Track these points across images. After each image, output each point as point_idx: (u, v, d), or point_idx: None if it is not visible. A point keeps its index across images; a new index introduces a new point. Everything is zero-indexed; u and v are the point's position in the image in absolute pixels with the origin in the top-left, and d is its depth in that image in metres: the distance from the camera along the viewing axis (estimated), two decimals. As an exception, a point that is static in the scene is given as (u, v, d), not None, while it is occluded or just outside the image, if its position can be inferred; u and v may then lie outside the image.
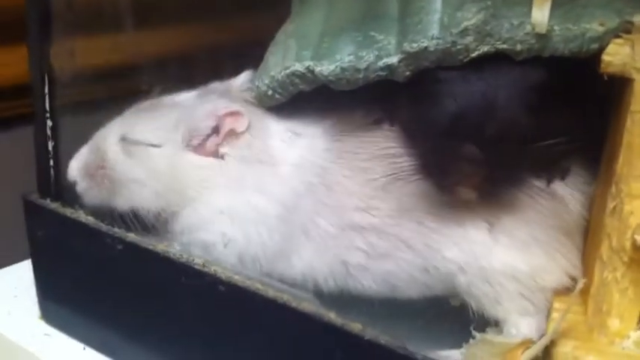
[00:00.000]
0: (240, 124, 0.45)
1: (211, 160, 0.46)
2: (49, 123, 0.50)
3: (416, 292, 0.44)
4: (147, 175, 0.47)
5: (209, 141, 0.46)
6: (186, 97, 0.50)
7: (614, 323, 0.38)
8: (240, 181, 0.45)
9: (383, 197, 0.43)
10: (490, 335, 0.39)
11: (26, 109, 0.51)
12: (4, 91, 0.70)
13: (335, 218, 0.44)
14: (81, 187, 0.48)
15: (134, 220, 0.46)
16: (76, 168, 0.48)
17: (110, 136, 0.48)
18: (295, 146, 0.46)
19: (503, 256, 0.41)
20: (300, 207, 0.44)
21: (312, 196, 0.44)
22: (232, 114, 0.46)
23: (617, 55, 0.37)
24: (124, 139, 0.48)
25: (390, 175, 0.43)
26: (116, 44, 0.56)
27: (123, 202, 0.47)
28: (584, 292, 0.40)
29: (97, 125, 0.49)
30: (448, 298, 0.45)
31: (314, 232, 0.44)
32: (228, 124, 0.45)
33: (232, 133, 0.46)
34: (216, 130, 0.46)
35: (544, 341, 0.37)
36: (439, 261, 0.43)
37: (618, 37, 0.37)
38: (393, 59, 0.41)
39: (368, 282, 0.44)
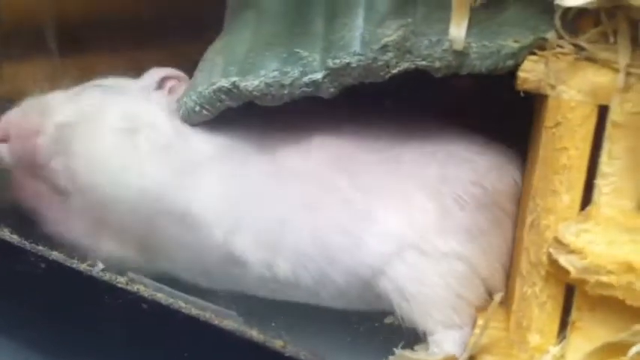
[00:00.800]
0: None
1: None
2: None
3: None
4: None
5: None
6: None
7: (534, 338, 0.38)
8: None
9: None
10: (409, 352, 0.39)
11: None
12: None
13: None
14: None
15: None
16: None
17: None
18: None
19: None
20: None
21: None
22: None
23: (532, 72, 0.37)
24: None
25: None
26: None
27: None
28: (508, 309, 0.41)
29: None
30: (381, 315, 0.45)
31: None
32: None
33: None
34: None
35: (464, 357, 0.37)
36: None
37: (533, 54, 0.38)
38: (318, 75, 0.41)
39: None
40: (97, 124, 0.46)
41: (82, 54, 0.62)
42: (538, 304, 0.38)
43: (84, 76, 0.52)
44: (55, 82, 0.53)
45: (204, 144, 0.45)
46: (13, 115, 0.48)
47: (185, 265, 0.45)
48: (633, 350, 0.32)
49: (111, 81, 0.50)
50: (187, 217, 0.44)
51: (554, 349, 0.37)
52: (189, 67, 0.49)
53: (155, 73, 0.49)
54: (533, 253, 0.37)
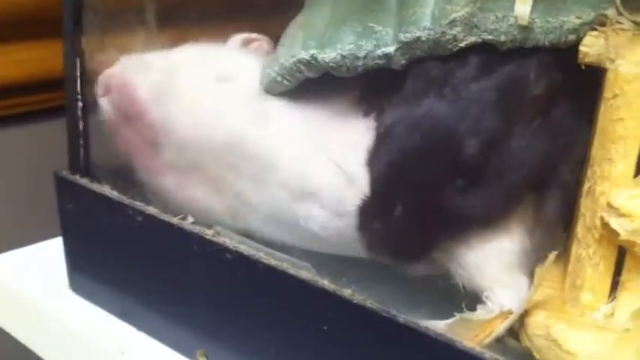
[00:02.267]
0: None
1: None
2: (80, 105, 0.54)
3: None
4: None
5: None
6: None
7: (586, 297, 0.40)
8: None
9: None
10: (468, 314, 0.42)
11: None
12: (43, 84, 0.77)
13: None
14: None
15: None
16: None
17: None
18: None
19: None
20: None
21: None
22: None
23: (592, 47, 0.39)
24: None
25: None
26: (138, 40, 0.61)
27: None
28: (564, 270, 0.43)
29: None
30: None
31: None
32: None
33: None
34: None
35: (517, 312, 0.40)
36: None
37: (594, 29, 0.40)
38: (390, 48, 0.45)
39: None
40: (190, 74, 0.51)
41: (174, 27, 0.67)
42: (591, 265, 0.40)
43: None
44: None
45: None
46: (113, 69, 0.53)
47: (264, 216, 0.50)
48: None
49: (202, 44, 0.55)
50: (268, 163, 0.48)
51: (605, 308, 0.40)
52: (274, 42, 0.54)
53: (239, 36, 0.54)
54: (589, 217, 0.40)
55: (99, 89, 0.53)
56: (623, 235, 0.36)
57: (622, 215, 0.37)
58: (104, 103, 0.52)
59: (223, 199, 0.50)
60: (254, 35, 0.55)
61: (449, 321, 0.42)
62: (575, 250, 0.41)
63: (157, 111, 0.51)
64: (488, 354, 0.37)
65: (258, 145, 0.48)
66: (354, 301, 0.41)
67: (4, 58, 0.80)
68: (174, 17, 0.66)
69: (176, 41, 0.64)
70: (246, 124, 0.49)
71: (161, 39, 0.65)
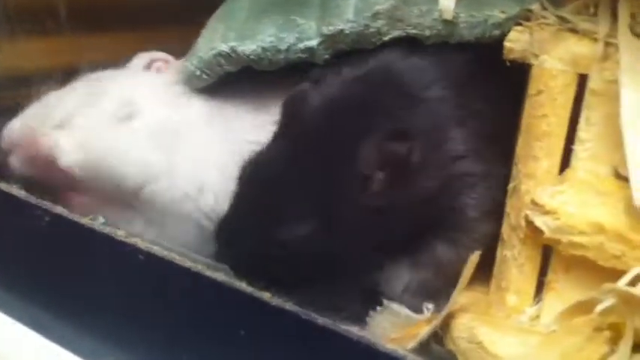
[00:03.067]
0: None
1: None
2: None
3: None
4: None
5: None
6: None
7: (511, 299, 0.39)
8: None
9: None
10: (396, 305, 0.40)
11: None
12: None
13: None
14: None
15: None
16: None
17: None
18: None
19: None
20: None
21: None
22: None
23: (517, 42, 0.39)
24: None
25: None
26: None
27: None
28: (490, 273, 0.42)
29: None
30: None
31: None
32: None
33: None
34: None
35: (442, 315, 0.39)
36: None
37: (519, 24, 0.39)
38: (313, 42, 0.43)
39: None
40: (93, 115, 0.49)
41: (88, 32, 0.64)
42: (516, 267, 0.39)
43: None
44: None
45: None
46: (13, 124, 0.51)
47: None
48: (600, 307, 0.33)
49: (101, 73, 0.52)
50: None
51: (530, 310, 0.39)
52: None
53: (142, 57, 0.52)
54: (514, 217, 0.39)
55: (4, 145, 0.51)
56: (548, 233, 0.35)
57: (546, 213, 0.36)
58: (13, 160, 0.50)
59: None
60: (156, 54, 0.53)
61: (377, 310, 0.41)
62: (500, 251, 0.40)
63: (65, 159, 0.49)
64: (410, 357, 0.35)
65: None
66: (273, 304, 0.39)
67: None
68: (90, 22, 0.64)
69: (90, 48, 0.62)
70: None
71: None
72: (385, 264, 0.41)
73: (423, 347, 0.39)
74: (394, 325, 0.40)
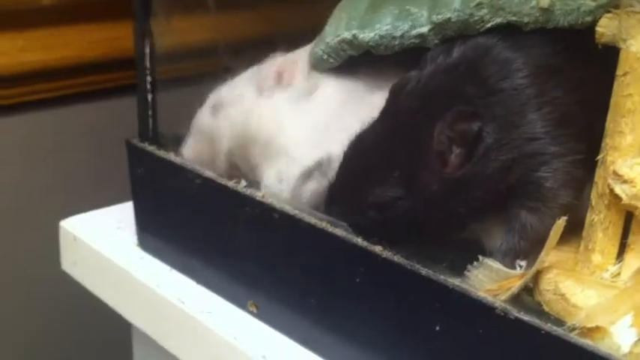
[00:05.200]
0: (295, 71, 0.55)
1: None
2: (149, 79, 0.60)
3: None
4: (230, 129, 0.57)
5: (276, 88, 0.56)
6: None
7: (596, 258, 0.44)
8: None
9: None
10: (492, 261, 0.46)
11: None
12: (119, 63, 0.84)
13: None
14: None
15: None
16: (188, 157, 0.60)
17: (204, 111, 0.60)
18: None
19: None
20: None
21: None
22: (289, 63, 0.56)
23: (607, 27, 0.43)
24: (213, 107, 0.59)
25: None
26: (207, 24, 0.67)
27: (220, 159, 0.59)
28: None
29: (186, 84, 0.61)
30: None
31: None
32: (287, 72, 0.56)
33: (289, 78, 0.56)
34: (279, 78, 0.56)
35: (532, 271, 0.44)
36: None
37: (609, 11, 0.43)
38: (424, 29, 0.49)
39: None
40: None
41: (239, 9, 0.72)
42: (602, 230, 0.43)
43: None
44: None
45: None
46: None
47: None
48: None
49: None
50: None
51: (612, 268, 0.43)
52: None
53: (270, 69, 0.57)
54: (600, 185, 0.43)
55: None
56: (625, 200, 0.40)
57: (625, 182, 0.40)
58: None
59: None
60: (282, 64, 0.58)
61: (474, 265, 0.46)
62: (589, 216, 0.44)
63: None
64: (498, 303, 0.41)
65: None
66: (383, 256, 0.45)
67: (79, 38, 0.88)
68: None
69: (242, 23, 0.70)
70: None
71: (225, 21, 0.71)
72: (476, 226, 0.47)
73: (514, 299, 0.45)
74: (489, 278, 0.45)
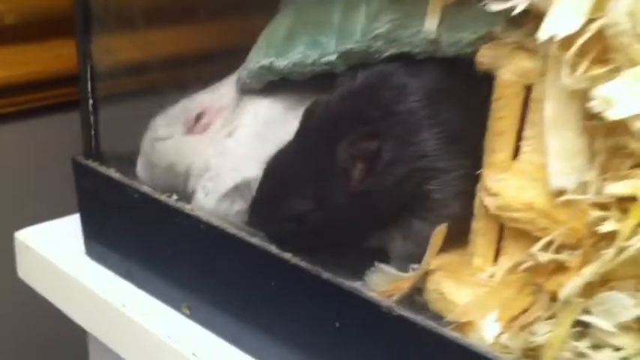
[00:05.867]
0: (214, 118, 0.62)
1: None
2: (91, 101, 0.65)
3: None
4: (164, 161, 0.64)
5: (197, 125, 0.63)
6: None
7: (477, 261, 0.50)
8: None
9: None
10: (386, 266, 0.51)
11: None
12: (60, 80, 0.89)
13: None
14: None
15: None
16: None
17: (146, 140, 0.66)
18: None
19: None
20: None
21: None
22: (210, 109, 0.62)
23: (485, 57, 0.48)
24: (151, 139, 0.66)
25: None
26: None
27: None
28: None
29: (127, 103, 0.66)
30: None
31: None
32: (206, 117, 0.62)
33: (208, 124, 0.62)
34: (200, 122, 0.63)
35: (418, 272, 0.49)
36: None
37: (486, 43, 0.48)
38: (332, 57, 0.55)
39: None
40: None
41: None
42: (481, 236, 0.49)
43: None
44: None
45: None
46: None
47: None
48: (522, 267, 0.43)
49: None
50: None
51: (490, 269, 0.49)
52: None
53: (192, 113, 0.64)
54: (479, 197, 0.49)
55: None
56: (492, 210, 0.46)
57: (492, 194, 0.46)
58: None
59: None
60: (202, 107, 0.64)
61: (372, 270, 0.52)
62: (474, 224, 0.50)
63: None
64: (384, 302, 0.46)
65: None
66: (292, 262, 0.51)
67: (34, 54, 0.93)
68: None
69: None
70: None
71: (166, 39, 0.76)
72: (379, 234, 0.53)
73: (410, 299, 0.50)
74: (384, 281, 0.50)
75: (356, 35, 0.53)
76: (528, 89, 0.46)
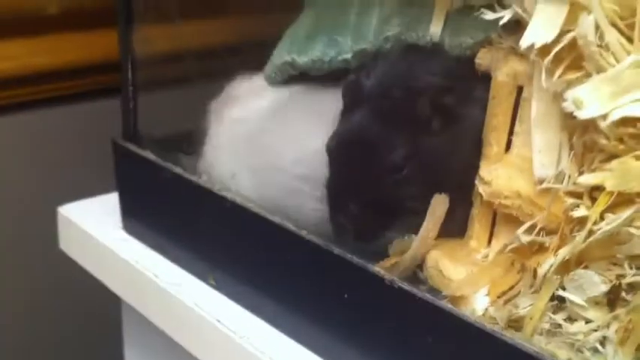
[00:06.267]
0: None
1: None
2: (131, 88, 0.72)
3: None
4: None
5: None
6: None
7: (473, 243, 0.55)
8: None
9: None
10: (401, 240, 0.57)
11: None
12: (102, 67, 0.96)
13: None
14: None
15: None
16: None
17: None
18: None
19: None
20: None
21: None
22: None
23: (483, 59, 0.54)
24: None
25: None
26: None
27: None
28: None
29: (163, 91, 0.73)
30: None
31: None
32: None
33: None
34: None
35: (415, 249, 0.55)
36: None
37: (484, 47, 0.54)
38: (348, 55, 0.60)
39: None
40: None
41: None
42: (477, 221, 0.55)
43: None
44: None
45: None
46: None
47: None
48: (509, 247, 0.49)
49: None
50: None
51: (484, 250, 0.54)
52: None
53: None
54: (476, 185, 0.54)
55: None
56: (485, 197, 0.51)
57: (485, 183, 0.51)
58: None
59: None
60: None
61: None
62: (472, 210, 0.56)
63: None
64: (387, 276, 0.52)
65: None
66: (306, 238, 0.57)
67: (78, 43, 1.00)
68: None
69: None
70: None
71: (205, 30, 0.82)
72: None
73: (412, 275, 0.56)
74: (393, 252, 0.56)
75: (369, 36, 0.58)
76: (520, 89, 0.52)
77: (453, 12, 0.56)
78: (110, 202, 0.80)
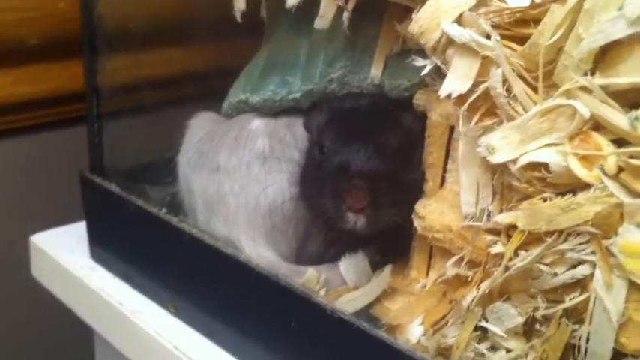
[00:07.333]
0: None
1: None
2: (97, 125, 0.75)
3: None
4: None
5: None
6: None
7: (413, 273, 0.58)
8: None
9: None
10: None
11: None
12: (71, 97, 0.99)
13: None
14: None
15: None
16: None
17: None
18: None
19: None
20: None
21: None
22: None
23: (420, 100, 0.57)
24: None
25: None
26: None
27: None
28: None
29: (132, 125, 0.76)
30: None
31: None
32: None
33: None
34: None
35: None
36: None
37: (421, 88, 0.57)
38: (297, 94, 0.63)
39: None
40: None
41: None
42: (417, 252, 0.58)
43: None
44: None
45: None
46: None
47: None
48: (439, 279, 0.52)
49: None
50: None
51: (423, 280, 0.58)
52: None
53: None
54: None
55: None
56: (420, 231, 0.54)
57: (419, 217, 0.54)
58: None
59: None
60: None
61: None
62: (413, 241, 0.59)
63: None
64: (328, 305, 0.55)
65: None
66: (256, 269, 0.60)
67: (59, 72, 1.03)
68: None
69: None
70: None
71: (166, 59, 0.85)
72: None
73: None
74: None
75: (315, 78, 0.62)
76: (452, 130, 0.55)
77: (392, 56, 0.59)
78: (79, 231, 0.83)
